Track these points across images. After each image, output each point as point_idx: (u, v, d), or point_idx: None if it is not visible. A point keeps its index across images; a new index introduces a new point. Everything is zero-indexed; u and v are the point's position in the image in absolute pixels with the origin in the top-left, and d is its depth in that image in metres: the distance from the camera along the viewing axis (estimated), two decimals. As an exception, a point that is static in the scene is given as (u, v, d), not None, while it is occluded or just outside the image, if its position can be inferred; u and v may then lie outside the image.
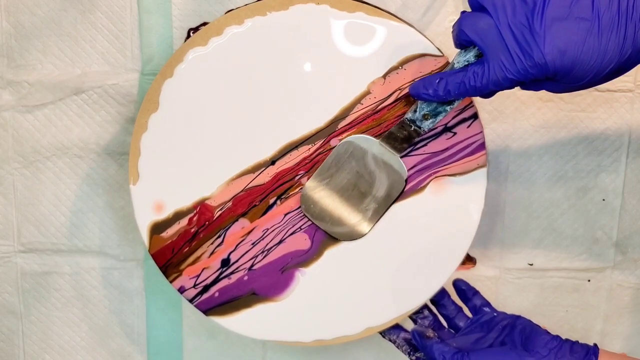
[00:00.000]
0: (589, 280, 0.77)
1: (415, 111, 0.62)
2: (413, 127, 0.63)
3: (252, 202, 0.67)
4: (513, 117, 0.73)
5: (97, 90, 0.72)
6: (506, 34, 0.53)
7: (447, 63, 0.64)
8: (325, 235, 0.67)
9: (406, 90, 0.65)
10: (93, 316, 0.78)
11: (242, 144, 0.66)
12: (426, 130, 0.63)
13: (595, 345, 0.60)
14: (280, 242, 0.68)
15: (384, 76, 0.65)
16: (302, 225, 0.67)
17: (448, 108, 0.61)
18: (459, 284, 0.70)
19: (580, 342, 0.60)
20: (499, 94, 0.72)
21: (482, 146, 0.66)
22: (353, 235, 0.67)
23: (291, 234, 0.67)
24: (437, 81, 0.58)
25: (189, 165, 0.66)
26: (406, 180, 0.66)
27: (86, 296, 0.77)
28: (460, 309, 0.69)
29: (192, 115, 0.66)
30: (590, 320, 0.78)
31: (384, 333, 0.69)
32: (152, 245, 0.67)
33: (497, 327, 0.65)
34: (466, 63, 0.57)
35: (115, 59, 0.71)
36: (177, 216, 0.67)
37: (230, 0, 0.69)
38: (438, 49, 0.64)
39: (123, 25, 0.70)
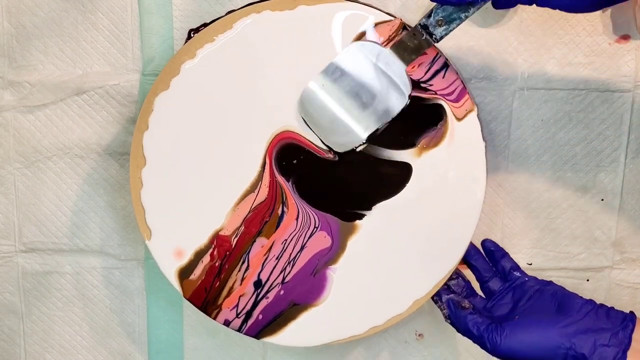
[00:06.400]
0: (587, 280, 0.77)
1: (429, 16, 0.61)
2: (424, 36, 0.62)
3: (262, 219, 0.67)
4: (511, 117, 0.73)
5: (98, 90, 0.72)
6: None
7: (401, 24, 0.64)
8: (340, 225, 0.67)
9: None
10: (94, 315, 0.78)
11: (234, 168, 0.67)
12: (437, 38, 0.61)
13: (632, 312, 0.59)
14: (303, 247, 0.68)
15: None
16: (316, 224, 0.67)
17: (463, 16, 0.60)
18: (487, 245, 0.69)
19: (615, 308, 0.59)
20: (498, 94, 0.72)
21: (464, 91, 0.65)
22: (346, 145, 0.66)
23: (310, 236, 0.67)
24: None
25: (192, 205, 0.67)
26: (409, 97, 0.65)
27: (87, 296, 0.77)
28: (494, 274, 0.68)
29: (180, 159, 0.67)
30: (589, 319, 0.78)
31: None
32: (185, 290, 0.68)
33: (529, 291, 0.64)
34: None
35: (116, 59, 0.71)
36: (198, 256, 0.68)
37: (230, 0, 0.69)
38: (389, 14, 0.64)
39: (124, 26, 0.71)
